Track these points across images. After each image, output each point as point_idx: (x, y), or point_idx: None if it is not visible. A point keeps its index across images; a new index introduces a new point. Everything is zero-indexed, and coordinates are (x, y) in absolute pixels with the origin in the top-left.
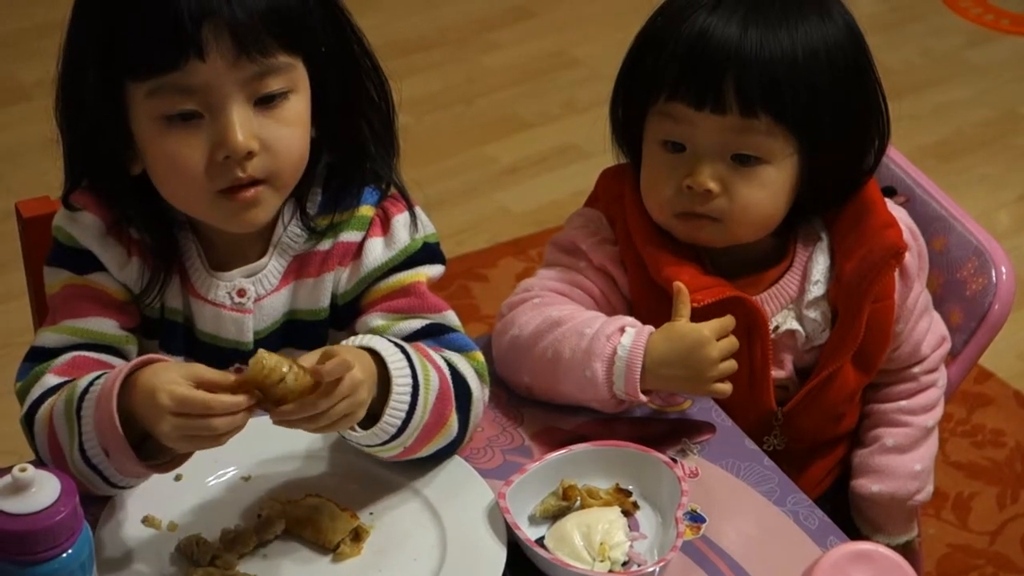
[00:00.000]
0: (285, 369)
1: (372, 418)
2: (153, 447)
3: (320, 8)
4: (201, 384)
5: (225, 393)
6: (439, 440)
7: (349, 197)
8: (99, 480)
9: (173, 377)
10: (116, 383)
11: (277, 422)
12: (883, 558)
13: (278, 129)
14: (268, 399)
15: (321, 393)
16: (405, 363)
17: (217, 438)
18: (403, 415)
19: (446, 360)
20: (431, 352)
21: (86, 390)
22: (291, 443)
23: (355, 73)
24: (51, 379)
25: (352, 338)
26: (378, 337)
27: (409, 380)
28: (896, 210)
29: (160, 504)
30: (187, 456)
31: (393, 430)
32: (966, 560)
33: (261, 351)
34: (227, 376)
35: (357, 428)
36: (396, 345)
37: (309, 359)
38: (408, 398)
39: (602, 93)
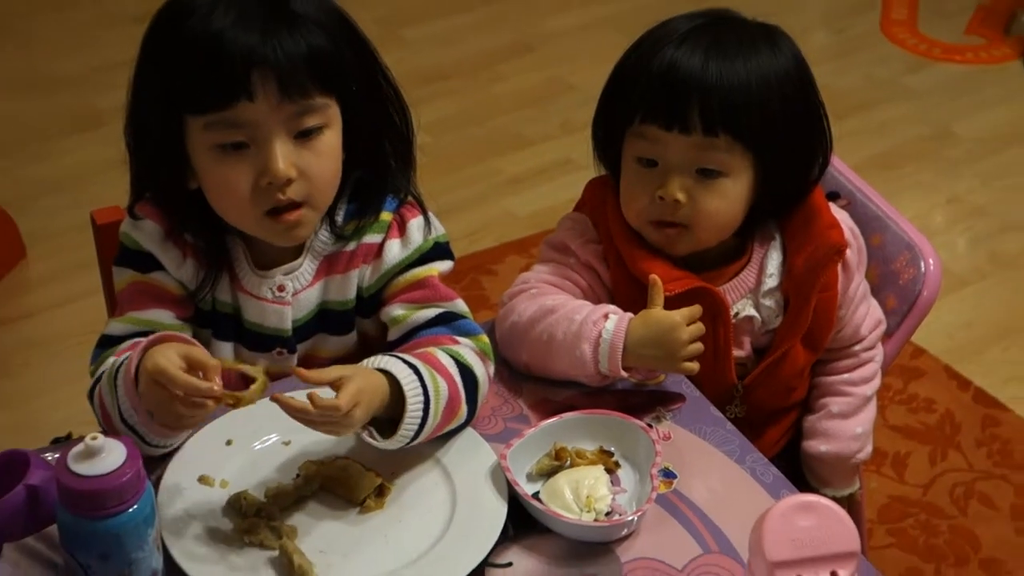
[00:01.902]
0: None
1: (391, 425)
2: None
3: (352, 52)
4: (191, 362)
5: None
6: (450, 427)
7: (373, 206)
8: (138, 439)
9: (169, 353)
10: (136, 354)
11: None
12: (825, 508)
13: (314, 159)
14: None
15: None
16: (417, 384)
17: (178, 417)
18: (416, 426)
19: (454, 356)
20: (440, 358)
21: (122, 363)
22: None
23: (381, 104)
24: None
25: (372, 359)
26: (395, 359)
27: (421, 398)
28: (839, 212)
29: (213, 465)
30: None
31: (407, 440)
32: (903, 509)
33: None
34: (216, 362)
35: (378, 437)
36: (409, 365)
37: (326, 375)
38: (420, 412)
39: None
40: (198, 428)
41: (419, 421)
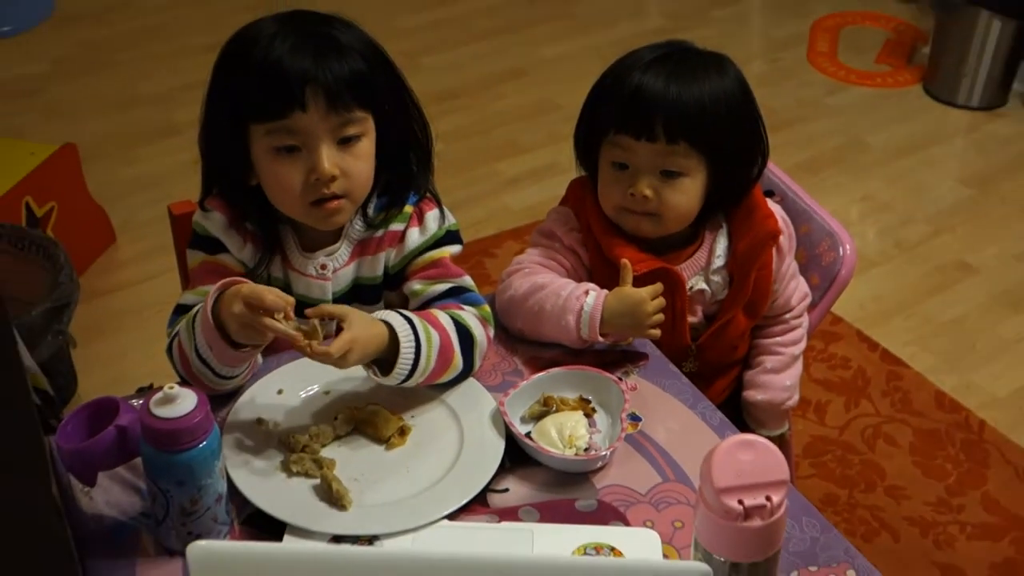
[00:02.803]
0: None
1: (390, 367)
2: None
3: (385, 77)
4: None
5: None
6: (449, 373)
7: (398, 201)
8: (210, 373)
9: (257, 285)
10: (211, 295)
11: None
12: (761, 445)
13: (352, 162)
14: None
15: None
16: (410, 331)
17: (250, 332)
18: (409, 366)
19: (455, 318)
20: (439, 316)
21: (199, 310)
22: (357, 370)
23: (407, 120)
24: None
25: (377, 312)
26: (395, 313)
27: (412, 343)
28: (774, 206)
29: (267, 410)
30: (258, 348)
31: (403, 377)
32: (823, 446)
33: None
34: (292, 299)
35: (379, 374)
36: (406, 318)
37: (332, 309)
38: (412, 354)
39: None
40: (254, 380)
41: (411, 361)
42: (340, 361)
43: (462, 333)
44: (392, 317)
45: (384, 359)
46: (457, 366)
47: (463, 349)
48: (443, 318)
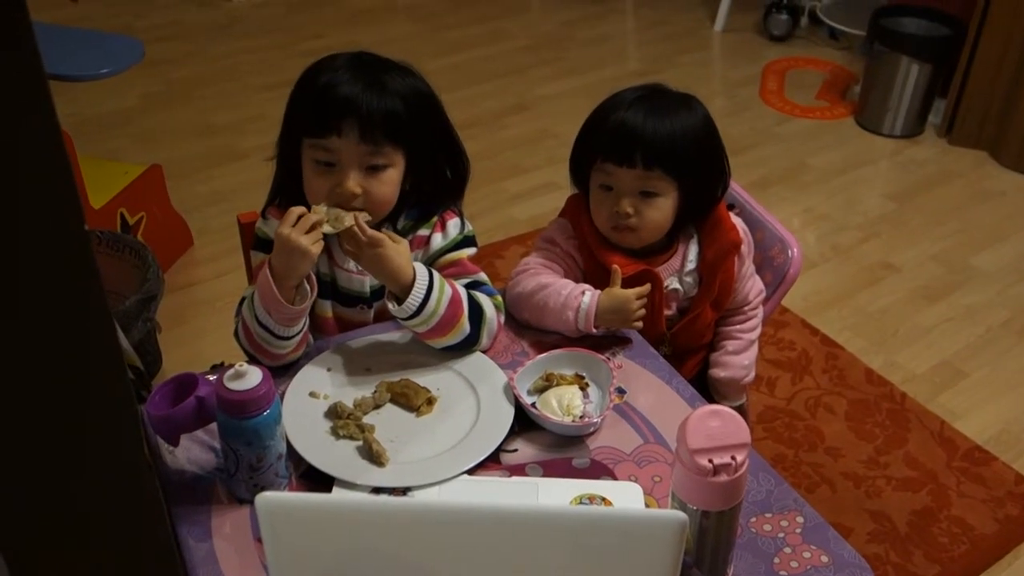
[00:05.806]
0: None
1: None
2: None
3: (423, 120)
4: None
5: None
6: (457, 332)
7: (426, 217)
8: (270, 336)
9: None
10: (266, 263)
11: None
12: (726, 413)
13: (376, 185)
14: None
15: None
16: (427, 273)
17: (298, 244)
18: (420, 299)
19: (471, 295)
20: (457, 284)
21: (255, 291)
22: (394, 353)
23: (447, 155)
24: None
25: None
26: (424, 265)
27: (426, 283)
28: (736, 219)
29: (319, 385)
30: (307, 297)
31: (414, 309)
32: (774, 414)
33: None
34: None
35: (394, 304)
36: (428, 270)
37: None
38: (424, 291)
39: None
40: (307, 360)
41: (422, 296)
42: (368, 247)
43: (473, 304)
44: (418, 264)
45: (402, 295)
46: (464, 327)
47: (471, 315)
48: (459, 287)
